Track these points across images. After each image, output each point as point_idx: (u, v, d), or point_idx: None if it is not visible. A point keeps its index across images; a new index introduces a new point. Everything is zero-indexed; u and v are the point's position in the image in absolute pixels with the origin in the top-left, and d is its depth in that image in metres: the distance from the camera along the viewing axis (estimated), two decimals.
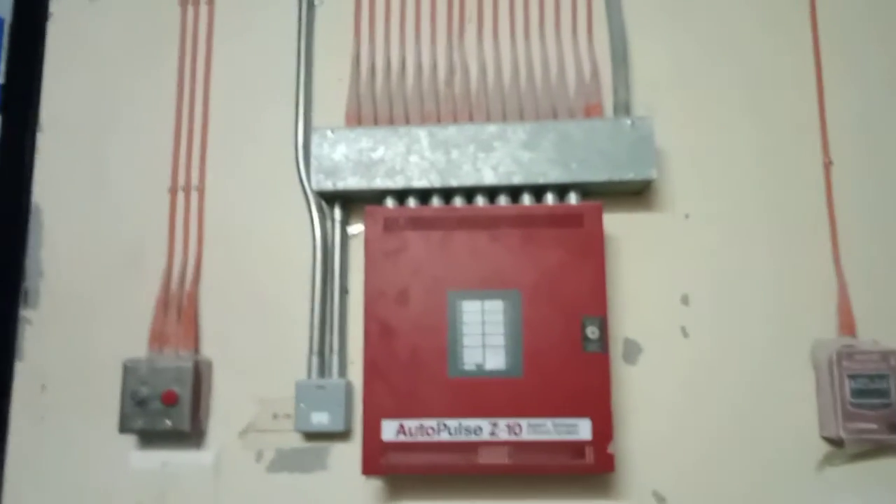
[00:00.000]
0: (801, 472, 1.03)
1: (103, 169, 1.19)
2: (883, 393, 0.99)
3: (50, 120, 1.21)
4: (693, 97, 1.15)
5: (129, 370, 1.06)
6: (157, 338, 1.11)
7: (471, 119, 1.13)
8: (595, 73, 1.14)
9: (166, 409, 1.05)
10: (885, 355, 1.01)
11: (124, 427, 1.05)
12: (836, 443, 1.02)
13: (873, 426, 0.99)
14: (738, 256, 1.10)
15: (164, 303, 1.12)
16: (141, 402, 1.05)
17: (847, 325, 1.05)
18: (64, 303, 1.16)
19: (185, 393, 1.05)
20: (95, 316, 1.15)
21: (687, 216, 1.11)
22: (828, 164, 1.12)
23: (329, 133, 1.09)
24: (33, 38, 1.23)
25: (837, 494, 1.03)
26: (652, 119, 1.06)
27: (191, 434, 1.06)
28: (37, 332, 1.15)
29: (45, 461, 1.11)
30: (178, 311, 1.12)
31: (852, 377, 1.00)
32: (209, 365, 1.11)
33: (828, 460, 1.03)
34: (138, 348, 1.11)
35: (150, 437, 1.10)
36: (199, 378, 1.07)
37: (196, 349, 1.11)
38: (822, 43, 1.15)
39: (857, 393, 0.99)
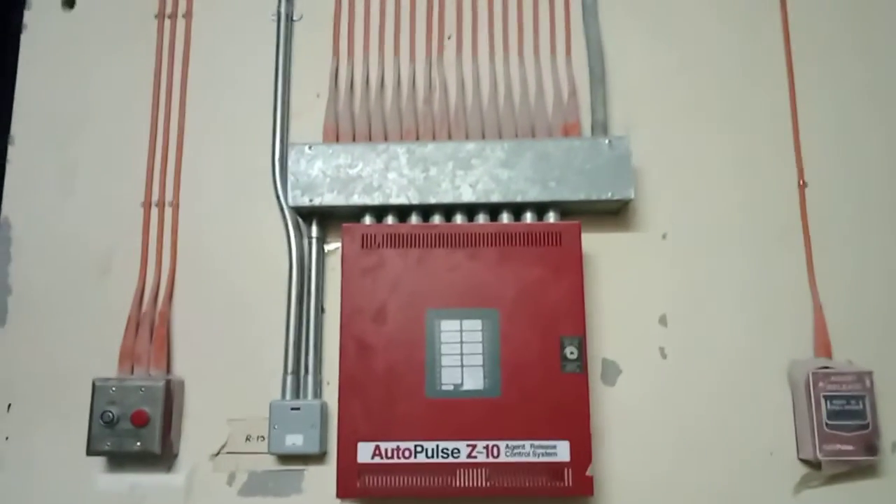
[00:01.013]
0: (780, 495, 1.03)
1: (75, 182, 1.17)
2: (859, 414, 0.99)
3: (21, 132, 1.19)
4: (670, 116, 1.15)
5: (98, 389, 1.04)
6: (128, 356, 1.08)
7: (449, 137, 1.12)
8: (573, 92, 1.14)
9: (136, 430, 1.02)
10: (861, 376, 1.01)
11: (92, 449, 1.02)
12: (813, 465, 1.02)
13: (850, 447, 0.99)
14: (716, 276, 1.10)
15: (135, 321, 1.10)
16: (110, 423, 1.02)
17: (823, 346, 1.06)
18: (32, 319, 1.13)
19: (155, 413, 1.02)
20: (65, 333, 1.12)
21: (664, 236, 1.11)
22: (802, 186, 1.13)
23: (307, 149, 1.08)
24: (5, 48, 1.21)
25: None
26: (629, 139, 1.07)
27: (161, 456, 1.03)
28: (4, 348, 1.12)
29: (9, 482, 1.07)
30: (150, 329, 1.09)
31: (828, 398, 1.00)
32: (181, 385, 1.08)
33: (805, 482, 1.03)
34: (108, 367, 1.08)
35: (119, 459, 1.07)
36: (171, 398, 1.05)
37: (168, 368, 1.09)
38: (795, 64, 1.16)
39: (834, 414, 1.00)
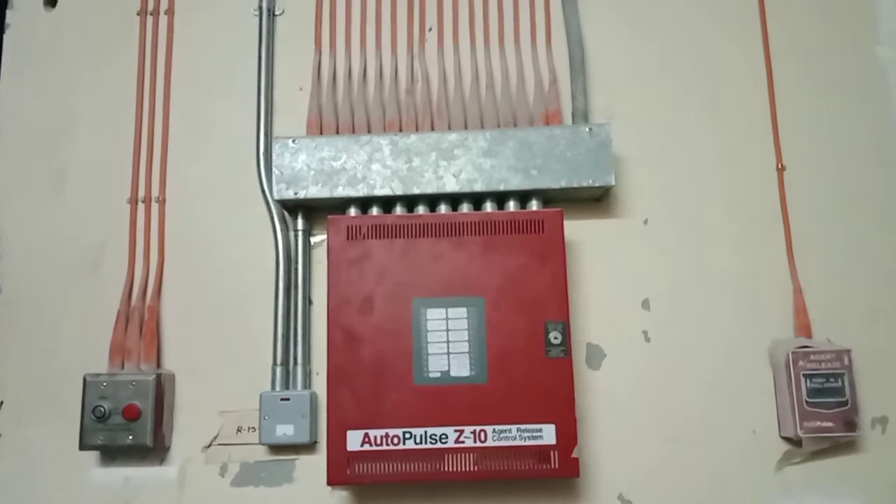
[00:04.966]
0: (762, 472, 1.05)
1: (62, 179, 1.17)
2: (839, 391, 1.01)
3: (7, 129, 1.19)
4: (650, 104, 1.17)
5: (89, 384, 1.04)
6: (118, 351, 1.09)
7: (432, 127, 1.14)
8: (554, 80, 1.15)
9: (128, 424, 1.03)
10: (839, 354, 1.03)
11: (85, 443, 1.03)
12: (795, 442, 1.04)
13: (830, 424, 1.01)
14: (697, 260, 1.12)
15: (125, 316, 1.10)
16: (102, 417, 1.03)
17: (803, 326, 1.08)
18: (22, 316, 1.14)
19: (146, 407, 1.04)
20: (55, 329, 1.13)
21: (646, 221, 1.13)
22: (781, 169, 1.14)
23: (290, 142, 1.09)
24: None
25: (797, 493, 1.05)
26: (610, 126, 1.08)
27: (153, 449, 1.05)
28: None
29: (4, 478, 1.08)
30: (140, 323, 1.10)
31: (808, 377, 1.02)
32: (171, 378, 1.09)
33: (787, 459, 1.05)
34: (99, 362, 1.09)
35: (112, 453, 1.08)
36: (162, 392, 1.06)
37: (158, 362, 1.10)
38: (772, 49, 1.18)
39: (814, 392, 1.02)
